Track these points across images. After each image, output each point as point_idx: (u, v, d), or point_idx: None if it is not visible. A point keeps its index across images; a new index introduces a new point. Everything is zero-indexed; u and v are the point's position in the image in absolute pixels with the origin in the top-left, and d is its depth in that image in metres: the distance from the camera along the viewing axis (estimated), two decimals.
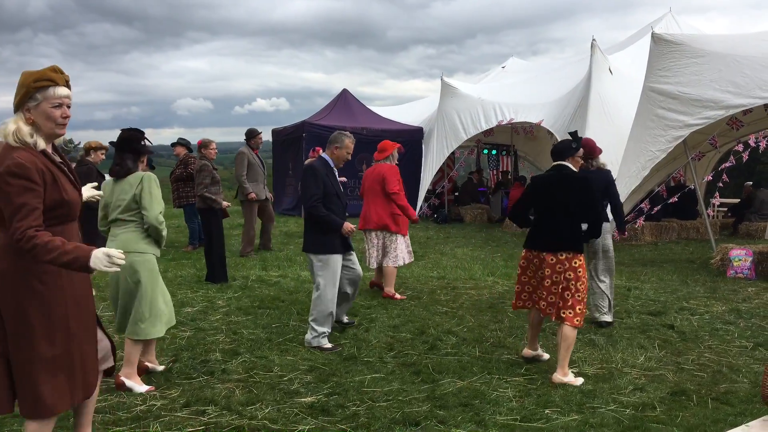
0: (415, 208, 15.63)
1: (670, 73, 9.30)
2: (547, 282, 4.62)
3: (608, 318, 6.01)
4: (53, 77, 2.73)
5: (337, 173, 5.52)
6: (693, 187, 10.49)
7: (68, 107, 2.79)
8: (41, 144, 2.73)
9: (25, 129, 2.70)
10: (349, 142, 5.51)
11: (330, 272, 5.22)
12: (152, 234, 4.28)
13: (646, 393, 4.33)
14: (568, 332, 4.50)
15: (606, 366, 4.88)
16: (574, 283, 4.52)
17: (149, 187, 4.23)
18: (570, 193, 4.61)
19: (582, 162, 5.18)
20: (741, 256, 8.66)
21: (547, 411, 4.01)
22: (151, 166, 10.24)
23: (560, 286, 4.57)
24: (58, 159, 2.84)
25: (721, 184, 10.22)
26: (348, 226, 5.28)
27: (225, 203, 7.74)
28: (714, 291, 7.65)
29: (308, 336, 5.29)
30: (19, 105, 2.72)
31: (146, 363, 4.57)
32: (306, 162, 5.58)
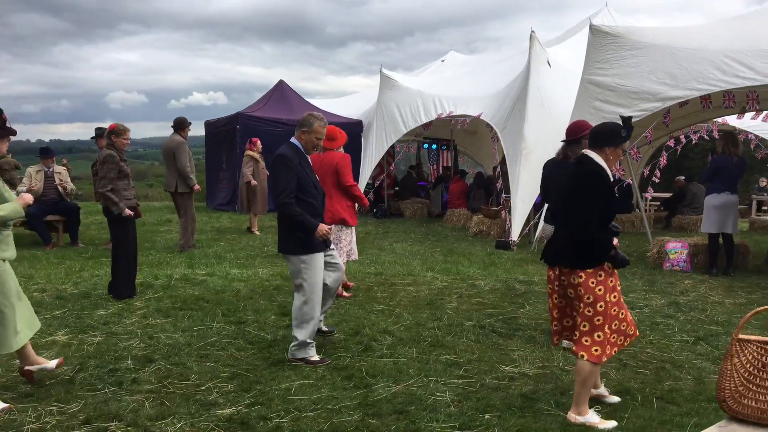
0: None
1: (607, 65, 9.20)
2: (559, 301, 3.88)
3: None
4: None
5: (310, 161, 4.90)
6: (630, 181, 10.50)
7: None
8: None
9: None
10: (318, 126, 4.77)
11: (315, 273, 4.66)
12: None
13: None
14: (579, 365, 3.65)
15: (547, 365, 4.65)
16: (578, 303, 3.66)
17: None
18: (574, 189, 3.70)
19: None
20: (677, 249, 8.69)
21: (487, 416, 3.73)
22: (47, 156, 9.55)
23: (569, 305, 3.82)
24: None
25: (656, 179, 10.24)
26: (323, 228, 4.65)
27: (128, 211, 6.33)
28: (652, 284, 7.60)
29: (291, 347, 4.70)
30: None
31: (28, 368, 4.16)
32: (279, 150, 4.76)
